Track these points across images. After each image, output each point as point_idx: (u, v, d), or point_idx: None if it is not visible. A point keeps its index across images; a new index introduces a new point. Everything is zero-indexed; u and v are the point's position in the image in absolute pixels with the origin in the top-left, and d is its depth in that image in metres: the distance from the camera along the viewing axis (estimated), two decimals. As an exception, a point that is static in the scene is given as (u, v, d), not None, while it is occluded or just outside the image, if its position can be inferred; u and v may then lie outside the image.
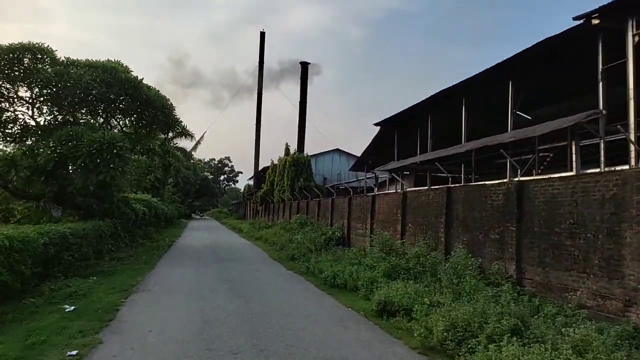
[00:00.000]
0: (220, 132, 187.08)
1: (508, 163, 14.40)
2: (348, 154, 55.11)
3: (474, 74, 16.36)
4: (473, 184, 15.42)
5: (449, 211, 14.30)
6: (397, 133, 28.32)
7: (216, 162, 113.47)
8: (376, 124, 30.51)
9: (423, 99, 20.80)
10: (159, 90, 21.02)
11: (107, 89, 18.43)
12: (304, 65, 50.36)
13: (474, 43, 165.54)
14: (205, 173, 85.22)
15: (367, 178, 36.68)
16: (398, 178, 24.78)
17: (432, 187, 17.25)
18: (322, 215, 29.84)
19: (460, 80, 17.48)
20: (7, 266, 8.86)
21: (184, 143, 51.72)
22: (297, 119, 50.79)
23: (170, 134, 22.82)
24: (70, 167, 16.98)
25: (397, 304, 8.65)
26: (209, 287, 11.66)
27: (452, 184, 18.38)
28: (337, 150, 55.14)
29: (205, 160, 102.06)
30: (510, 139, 15.04)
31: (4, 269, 8.61)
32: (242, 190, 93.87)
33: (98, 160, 16.23)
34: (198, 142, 57.92)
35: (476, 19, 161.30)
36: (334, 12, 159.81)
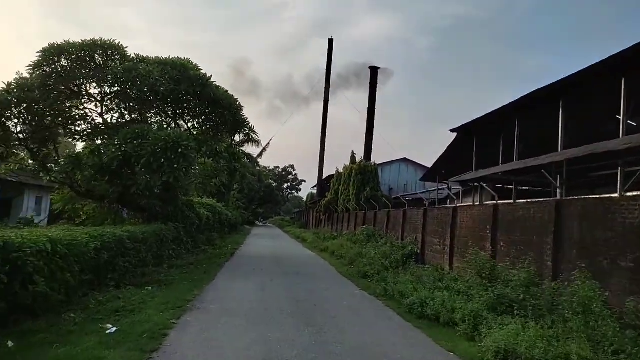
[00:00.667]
0: (283, 141, 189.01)
1: (619, 174, 11.69)
2: (415, 164, 52.39)
3: (575, 71, 13.67)
4: (594, 197, 12.60)
5: (558, 230, 11.68)
6: (476, 140, 25.51)
7: (280, 170, 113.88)
8: (452, 130, 27.68)
9: (508, 102, 18.13)
10: (227, 90, 19.90)
11: (176, 86, 17.45)
12: (374, 70, 48.43)
13: (548, 50, 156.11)
14: (270, 181, 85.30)
15: (440, 189, 34.00)
16: (486, 187, 21.95)
17: (533, 201, 14.60)
18: (392, 228, 27.59)
19: (558, 79, 14.78)
20: (47, 274, 7.54)
21: (250, 149, 51.39)
22: (363, 126, 48.88)
23: (237, 137, 21.62)
24: (135, 166, 16.03)
25: (524, 356, 6.34)
26: (273, 307, 9.89)
27: (538, 198, 15.79)
28: (404, 159, 52.52)
29: (270, 167, 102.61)
30: (624, 146, 12.13)
31: (42, 278, 7.27)
32: (304, 198, 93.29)
33: (162, 160, 15.14)
34: (264, 149, 57.62)
35: (552, 24, 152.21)
36: (400, 21, 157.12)
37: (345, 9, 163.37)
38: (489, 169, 22.75)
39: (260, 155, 56.38)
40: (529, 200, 15.26)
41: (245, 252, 23.11)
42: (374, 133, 47.67)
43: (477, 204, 18.31)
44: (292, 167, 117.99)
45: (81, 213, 19.21)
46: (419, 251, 21.83)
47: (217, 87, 19.64)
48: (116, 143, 15.71)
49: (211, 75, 18.53)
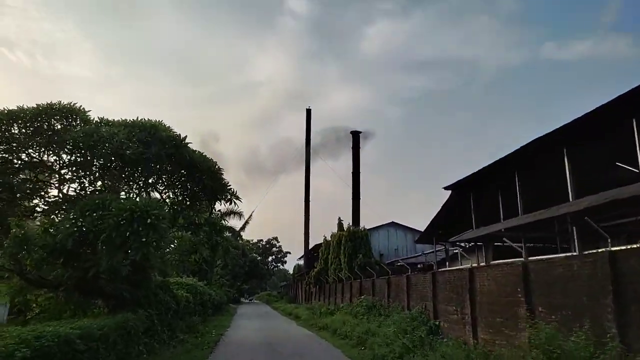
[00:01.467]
0: (264, 214, 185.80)
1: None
2: (405, 227, 50.21)
3: (580, 115, 12.13)
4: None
5: (618, 289, 9.26)
6: (473, 196, 23.69)
7: (264, 243, 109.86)
8: (446, 188, 25.83)
9: (506, 154, 16.55)
10: (203, 153, 17.59)
11: (145, 149, 15.07)
12: (355, 134, 47.36)
13: (515, 115, 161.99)
14: (254, 254, 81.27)
15: (437, 251, 31.48)
16: (508, 242, 19.55)
17: (579, 254, 12.21)
18: (395, 297, 24.68)
19: (562, 125, 13.17)
20: None
21: (232, 222, 48.45)
22: (345, 193, 46.90)
23: (219, 204, 19.01)
24: (96, 244, 13.18)
25: None
26: None
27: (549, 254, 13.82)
28: (393, 223, 50.29)
29: (253, 241, 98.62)
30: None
31: None
32: (291, 271, 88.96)
33: (127, 234, 12.38)
34: (246, 222, 54.62)
35: (515, 91, 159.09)
36: (369, 93, 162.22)
37: (317, 82, 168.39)
38: (492, 225, 20.59)
39: (243, 228, 53.42)
40: (568, 255, 12.82)
41: (233, 338, 19.64)
42: (360, 197, 45.70)
43: (499, 263, 15.77)
44: (275, 239, 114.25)
45: (34, 305, 15.89)
46: (431, 321, 18.95)
47: (194, 151, 17.37)
48: (71, 217, 12.94)
49: (185, 136, 16.30)
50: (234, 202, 17.83)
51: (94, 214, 12.93)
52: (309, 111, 58.78)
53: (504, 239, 17.60)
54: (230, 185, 17.56)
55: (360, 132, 48.37)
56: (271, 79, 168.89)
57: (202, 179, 16.63)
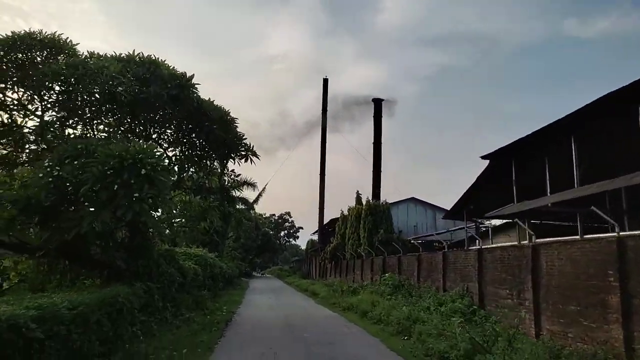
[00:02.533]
0: (277, 188, 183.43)
1: None
2: (425, 204, 47.10)
3: None
4: None
5: None
6: (515, 167, 20.61)
7: (276, 218, 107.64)
8: (484, 157, 22.52)
9: (561, 117, 13.49)
10: (213, 101, 14.54)
11: (143, 87, 12.10)
12: (377, 102, 43.93)
13: (531, 92, 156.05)
14: (266, 229, 78.88)
15: (460, 228, 28.48)
16: (522, 225, 16.56)
17: None
18: (427, 276, 21.85)
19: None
20: None
21: (246, 193, 45.67)
22: (362, 168, 43.62)
23: (232, 164, 16.06)
24: (80, 200, 10.38)
25: None
26: None
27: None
28: (413, 199, 47.16)
29: (266, 215, 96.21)
30: None
31: None
32: (303, 247, 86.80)
33: (115, 187, 9.52)
34: (260, 194, 51.80)
35: (532, 68, 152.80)
36: (386, 70, 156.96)
37: (332, 58, 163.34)
38: (540, 199, 17.55)
39: (256, 200, 50.59)
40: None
41: (246, 317, 16.93)
42: (381, 170, 42.52)
43: (574, 238, 12.70)
44: (288, 214, 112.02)
45: (13, 273, 13.25)
46: (475, 305, 16.16)
47: (202, 99, 14.35)
48: (46, 165, 10.10)
49: (192, 75, 13.21)
50: (251, 160, 14.84)
51: (75, 162, 10.08)
52: (325, 80, 55.34)
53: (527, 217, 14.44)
54: (245, 138, 14.57)
55: (382, 100, 44.93)
56: (286, 54, 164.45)
57: (213, 129, 13.65)
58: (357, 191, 41.53)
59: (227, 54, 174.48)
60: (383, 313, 14.69)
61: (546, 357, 9.01)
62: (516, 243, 16.02)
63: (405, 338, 11.88)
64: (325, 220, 59.04)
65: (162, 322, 13.21)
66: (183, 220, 16.47)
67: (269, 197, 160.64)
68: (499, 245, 17.70)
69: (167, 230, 20.19)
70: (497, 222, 29.13)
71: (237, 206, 43.36)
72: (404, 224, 46.51)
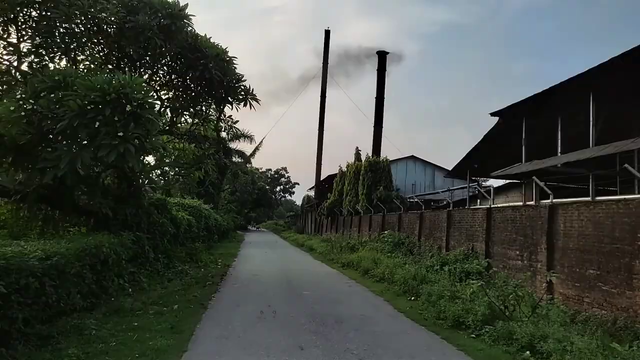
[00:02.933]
0: (274, 142, 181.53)
1: None
2: (425, 162, 46.13)
3: None
4: None
5: None
6: (525, 125, 19.76)
7: (272, 173, 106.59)
8: (494, 114, 21.50)
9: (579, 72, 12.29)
10: (210, 38, 13.05)
11: (127, 14, 10.63)
12: (382, 55, 41.95)
13: (535, 54, 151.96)
14: (262, 183, 77.91)
15: (470, 186, 27.56)
16: (540, 184, 15.56)
17: None
18: (429, 235, 21.09)
19: None
20: None
21: (242, 146, 44.42)
22: (361, 125, 42.11)
23: (229, 110, 14.74)
24: (56, 138, 9.19)
25: None
26: None
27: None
28: (412, 157, 46.10)
29: (262, 169, 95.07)
30: None
31: None
32: (299, 202, 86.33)
33: (96, 124, 8.30)
34: (257, 148, 50.50)
35: (537, 29, 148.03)
36: (389, 27, 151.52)
37: (335, 12, 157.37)
38: (550, 158, 16.67)
39: (253, 154, 49.36)
40: None
41: (241, 271, 16.13)
42: (383, 125, 41.11)
43: (601, 199, 11.74)
44: (284, 169, 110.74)
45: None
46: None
47: (196, 34, 12.86)
48: (19, 98, 8.81)
49: (186, 5, 11.67)
50: (250, 105, 13.52)
51: (52, 95, 8.80)
52: (328, 32, 52.92)
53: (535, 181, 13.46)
54: (245, 79, 13.18)
55: (387, 53, 42.89)
56: (286, 7, 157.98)
57: (209, 67, 12.25)
58: (357, 147, 40.40)
59: (229, 3, 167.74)
60: (387, 272, 13.89)
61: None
62: (531, 202, 15.13)
63: (412, 299, 11.09)
64: (322, 177, 58.20)
65: (153, 274, 12.34)
66: (176, 168, 15.31)
67: (265, 152, 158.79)
68: (511, 204, 16.83)
69: (160, 179, 19.13)
70: (497, 183, 28.31)
71: (234, 159, 42.26)
72: (402, 182, 45.64)
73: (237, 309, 9.36)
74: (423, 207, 24.39)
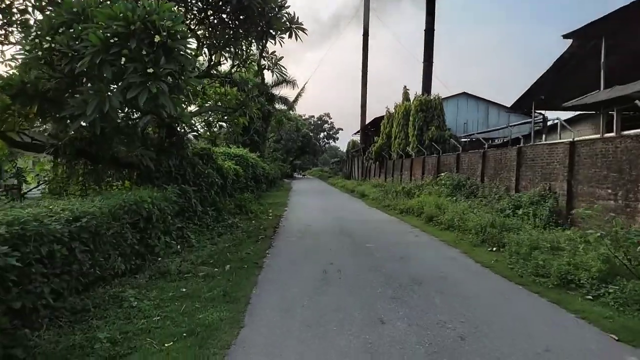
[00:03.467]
0: (315, 89, 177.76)
1: None
2: (478, 99, 42.91)
3: None
4: None
5: None
6: (605, 47, 17.16)
7: (315, 119, 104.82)
8: (567, 36, 18.79)
9: None
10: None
11: None
12: (430, -18, 37.94)
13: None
14: (306, 130, 76.35)
15: (535, 121, 24.97)
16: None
17: None
18: (494, 175, 19.16)
19: None
20: None
21: (285, 91, 42.67)
22: (405, 65, 38.77)
23: (272, 46, 13.04)
24: (80, 80, 7.96)
25: None
26: None
27: None
28: (464, 94, 42.87)
29: (305, 117, 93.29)
30: None
31: None
32: (343, 148, 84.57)
33: (122, 60, 6.94)
34: (299, 93, 48.51)
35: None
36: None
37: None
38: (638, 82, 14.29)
39: (296, 99, 47.46)
40: None
41: (294, 222, 15.01)
42: (434, 61, 37.85)
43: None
44: (327, 115, 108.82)
45: (29, 177, 11.48)
46: (561, 206, 13.65)
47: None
48: (34, 37, 7.54)
49: None
50: (296, 36, 11.72)
51: (70, 30, 7.46)
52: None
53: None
54: (288, 5, 11.31)
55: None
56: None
57: (247, -6, 10.48)
58: (404, 87, 37.79)
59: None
60: (456, 218, 12.29)
61: None
62: (630, 133, 12.84)
63: (494, 250, 9.53)
64: (367, 120, 55.93)
65: (202, 229, 11.36)
66: (219, 114, 13.99)
67: (307, 99, 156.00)
68: (603, 136, 14.53)
69: (205, 128, 17.99)
70: (563, 117, 25.53)
71: (277, 105, 40.72)
72: (453, 121, 42.87)
73: (296, 269, 8.16)
74: (486, 145, 22.20)
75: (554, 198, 14.25)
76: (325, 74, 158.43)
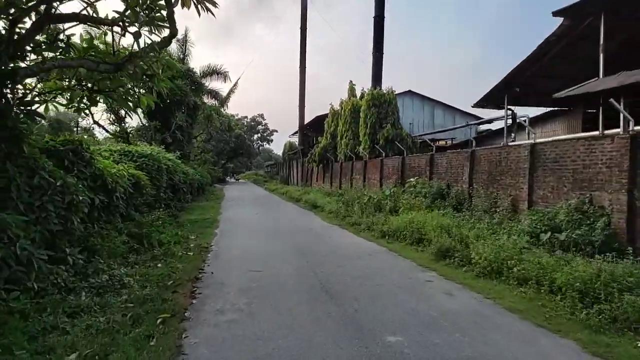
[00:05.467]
0: (248, 88, 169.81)
1: None
2: (424, 98, 39.47)
3: None
4: None
5: None
6: (605, 26, 13.77)
7: (248, 120, 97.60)
8: (557, 13, 15.13)
9: None
10: None
11: None
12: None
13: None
14: (239, 130, 68.90)
15: (505, 117, 21.34)
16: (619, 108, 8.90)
17: None
18: (489, 183, 14.57)
19: None
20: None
21: (215, 84, 35.97)
22: (345, 61, 34.00)
23: None
24: None
25: None
26: None
27: None
28: (410, 92, 39.12)
29: (238, 116, 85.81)
30: None
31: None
32: (277, 150, 78.59)
33: None
34: (232, 89, 41.74)
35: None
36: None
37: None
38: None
39: (229, 95, 40.74)
40: None
41: (230, 263, 8.81)
42: (384, 51, 33.20)
43: None
44: (261, 116, 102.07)
45: None
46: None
47: None
48: None
49: None
50: (206, 9, 6.02)
51: None
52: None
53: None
54: None
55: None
56: None
57: None
58: (350, 81, 32.85)
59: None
60: (500, 257, 7.09)
61: None
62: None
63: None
64: (307, 120, 50.73)
65: (42, 301, 5.23)
66: (95, 77, 7.59)
67: (239, 99, 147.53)
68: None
69: (71, 107, 11.41)
70: (531, 113, 22.14)
71: (206, 100, 34.11)
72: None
73: None
74: (474, 144, 17.68)
75: (605, 215, 9.69)
76: (258, 71, 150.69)
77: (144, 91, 8.11)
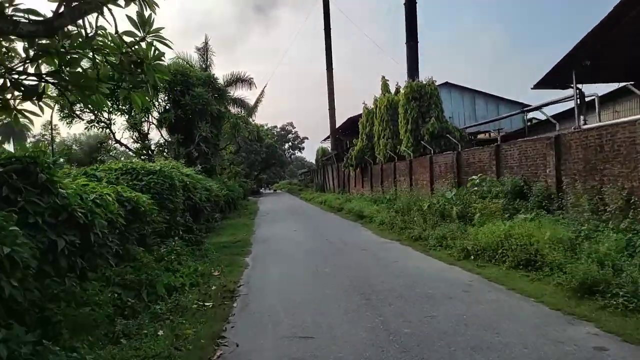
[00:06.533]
0: (274, 99, 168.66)
1: None
2: (463, 89, 35.65)
3: None
4: None
5: None
6: None
7: (278, 130, 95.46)
8: None
9: None
10: None
11: None
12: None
13: None
14: (269, 140, 66.20)
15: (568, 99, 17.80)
16: None
17: None
18: (588, 173, 10.88)
19: None
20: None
21: (240, 92, 33.56)
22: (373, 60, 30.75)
23: None
24: None
25: None
26: None
27: None
28: (447, 84, 35.47)
29: (267, 126, 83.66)
30: None
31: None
32: (310, 157, 76.04)
33: None
34: (259, 98, 39.22)
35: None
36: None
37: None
38: None
39: (256, 104, 38.28)
40: None
41: (270, 324, 6.06)
42: (418, 40, 29.94)
43: None
44: (290, 124, 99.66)
45: None
46: None
47: None
48: None
49: None
50: None
51: None
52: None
53: None
54: None
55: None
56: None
57: None
58: (383, 76, 29.66)
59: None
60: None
61: None
62: None
63: None
64: (338, 123, 47.97)
65: None
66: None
67: (266, 110, 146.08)
68: None
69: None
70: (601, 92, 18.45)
71: (232, 110, 31.81)
72: (436, 114, 35.06)
73: None
74: (557, 126, 14.31)
75: None
76: (283, 79, 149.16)
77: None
